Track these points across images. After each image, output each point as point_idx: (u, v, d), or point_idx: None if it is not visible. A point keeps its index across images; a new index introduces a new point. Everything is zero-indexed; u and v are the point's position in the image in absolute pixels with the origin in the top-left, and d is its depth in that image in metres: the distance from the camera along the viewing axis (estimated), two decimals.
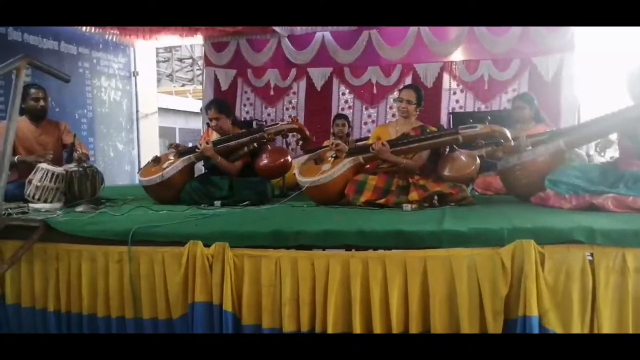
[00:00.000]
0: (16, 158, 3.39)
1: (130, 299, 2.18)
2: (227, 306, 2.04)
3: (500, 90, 5.57)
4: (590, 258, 1.86)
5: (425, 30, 5.73)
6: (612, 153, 2.99)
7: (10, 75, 2.18)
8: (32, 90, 3.62)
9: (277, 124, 3.53)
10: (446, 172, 3.00)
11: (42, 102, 3.62)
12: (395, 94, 3.34)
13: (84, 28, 5.88)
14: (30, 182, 3.06)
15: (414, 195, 2.75)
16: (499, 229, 1.95)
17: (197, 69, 13.54)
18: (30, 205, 2.92)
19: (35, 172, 3.08)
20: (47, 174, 3.06)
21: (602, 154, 3.04)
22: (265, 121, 6.19)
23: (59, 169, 3.10)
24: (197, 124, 10.01)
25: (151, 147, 7.42)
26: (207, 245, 2.10)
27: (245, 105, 6.49)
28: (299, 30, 6.16)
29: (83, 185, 3.07)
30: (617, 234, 1.85)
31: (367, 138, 4.35)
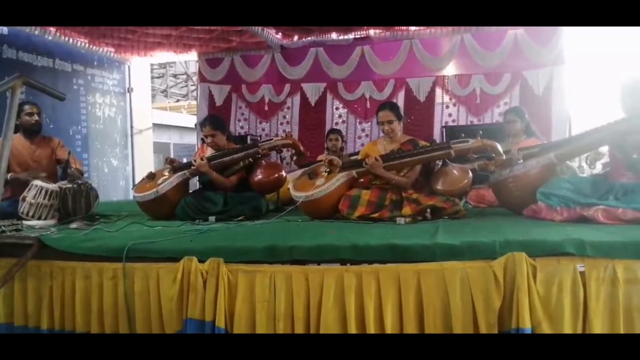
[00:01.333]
0: (9, 175, 3.39)
1: (124, 316, 2.17)
2: (220, 322, 2.03)
3: (492, 104, 5.65)
4: (581, 270, 1.88)
5: (417, 45, 5.82)
6: (602, 165, 3.02)
7: (5, 94, 2.19)
8: (26, 107, 3.64)
9: (271, 139, 3.56)
10: (439, 186, 3.03)
11: (36, 117, 3.64)
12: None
13: (78, 44, 5.91)
14: (24, 199, 3.06)
15: (407, 209, 2.77)
16: (491, 242, 1.96)
17: (192, 85, 13.60)
18: (24, 222, 2.92)
19: (29, 190, 3.08)
20: (40, 191, 3.06)
21: (592, 166, 3.08)
22: (260, 136, 6.24)
23: (52, 186, 3.10)
24: (192, 139, 10.02)
25: (145, 162, 7.44)
26: (202, 260, 2.10)
27: (239, 120, 6.54)
28: (293, 45, 6.24)
29: (77, 202, 3.07)
30: (607, 246, 1.88)
31: None
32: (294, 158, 3.76)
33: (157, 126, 9.74)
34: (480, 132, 3.00)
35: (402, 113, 3.27)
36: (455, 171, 3.09)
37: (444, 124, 5.74)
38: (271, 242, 2.16)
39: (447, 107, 5.83)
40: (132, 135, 7.08)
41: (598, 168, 3.03)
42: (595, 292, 1.84)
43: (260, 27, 5.53)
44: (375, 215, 2.83)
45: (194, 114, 7.94)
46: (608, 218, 2.36)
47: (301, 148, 3.55)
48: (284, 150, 3.72)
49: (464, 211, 2.94)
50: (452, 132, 5.20)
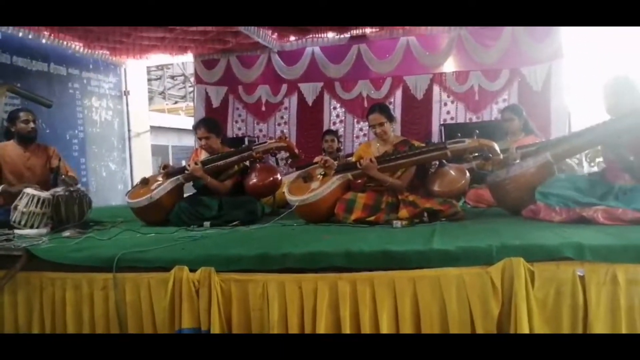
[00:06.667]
0: (0, 187, 3.35)
1: (116, 327, 2.14)
2: (215, 331, 2.00)
3: (491, 100, 5.60)
4: (581, 274, 1.83)
5: (414, 42, 5.77)
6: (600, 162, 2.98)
7: None
8: (21, 114, 3.61)
9: (265, 142, 3.51)
10: (436, 188, 2.98)
11: (32, 125, 3.60)
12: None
13: (73, 47, 5.88)
14: (16, 208, 3.02)
15: (403, 212, 2.72)
16: (488, 246, 1.92)
17: (190, 86, 13.56)
18: (16, 231, 2.88)
19: (21, 198, 3.03)
20: (33, 199, 3.01)
21: (593, 163, 3.03)
22: (257, 137, 6.20)
23: (45, 194, 3.06)
24: (190, 141, 9.97)
25: (144, 166, 7.38)
26: (193, 270, 2.06)
27: (237, 121, 6.49)
28: (289, 45, 6.19)
29: (70, 209, 3.04)
30: (607, 250, 1.83)
31: None
32: (289, 161, 3.72)
33: (155, 129, 9.69)
34: (477, 131, 2.95)
35: (393, 114, 3.22)
36: (452, 172, 3.04)
37: (442, 122, 5.69)
38: (263, 249, 2.12)
39: (445, 104, 5.77)
40: (129, 139, 7.03)
41: (598, 165, 2.99)
42: (595, 296, 1.79)
43: (255, 28, 5.48)
44: (372, 218, 2.78)
45: (192, 116, 7.88)
46: (608, 219, 2.31)
47: (295, 150, 3.51)
48: (280, 152, 3.68)
49: (462, 213, 2.89)
50: (451, 129, 5.15)
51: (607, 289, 1.80)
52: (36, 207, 3.01)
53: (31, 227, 2.99)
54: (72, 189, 3.10)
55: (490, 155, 2.87)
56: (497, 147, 2.88)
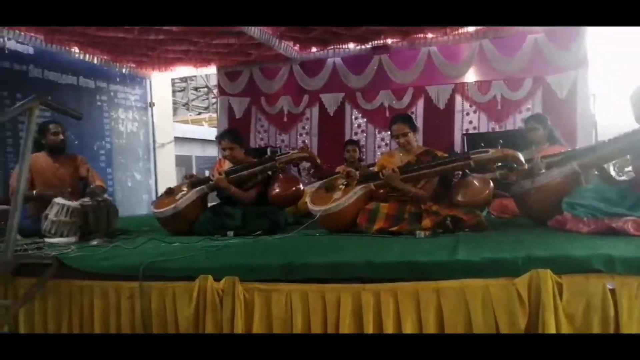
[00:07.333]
0: (34, 192, 3.47)
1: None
2: None
3: (514, 109, 5.52)
4: (611, 287, 1.79)
5: (435, 52, 5.75)
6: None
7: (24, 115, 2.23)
8: (51, 126, 3.72)
9: (288, 152, 3.54)
10: (459, 198, 2.95)
11: (61, 136, 3.73)
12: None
13: (101, 61, 6.04)
14: (46, 217, 3.11)
15: (427, 222, 2.70)
16: (513, 258, 1.89)
17: (213, 98, 13.75)
18: (46, 240, 2.97)
19: (51, 207, 3.13)
20: (62, 208, 3.10)
21: (621, 173, 2.96)
22: (280, 147, 6.24)
23: (74, 204, 3.14)
24: (213, 151, 10.12)
25: (168, 176, 7.50)
26: (217, 279, 2.09)
27: (259, 132, 6.56)
28: (310, 56, 6.24)
29: (98, 219, 3.10)
30: (638, 262, 1.78)
31: None
32: (311, 171, 3.73)
33: (179, 139, 9.84)
34: (501, 141, 2.92)
35: (416, 123, 3.21)
36: (475, 182, 3.01)
37: (464, 132, 5.63)
38: (286, 259, 2.13)
39: (468, 114, 5.72)
40: (154, 149, 7.15)
41: (627, 174, 2.92)
42: (627, 310, 1.74)
43: (277, 40, 5.55)
44: (394, 228, 2.77)
45: (215, 127, 7.99)
46: (639, 230, 2.25)
47: (317, 160, 3.52)
48: (302, 162, 3.70)
49: (486, 223, 2.85)
50: (474, 139, 5.09)
51: (639, 303, 1.75)
52: (65, 216, 3.10)
53: (60, 235, 3.08)
54: (99, 199, 3.17)
55: (515, 165, 2.83)
56: (521, 156, 2.83)
